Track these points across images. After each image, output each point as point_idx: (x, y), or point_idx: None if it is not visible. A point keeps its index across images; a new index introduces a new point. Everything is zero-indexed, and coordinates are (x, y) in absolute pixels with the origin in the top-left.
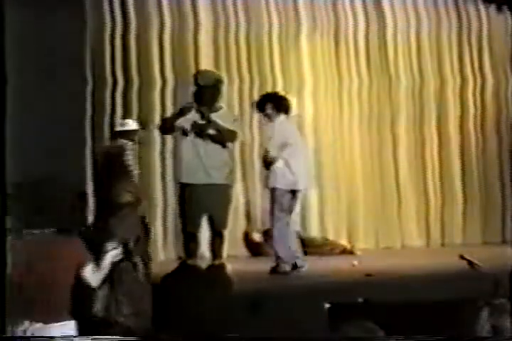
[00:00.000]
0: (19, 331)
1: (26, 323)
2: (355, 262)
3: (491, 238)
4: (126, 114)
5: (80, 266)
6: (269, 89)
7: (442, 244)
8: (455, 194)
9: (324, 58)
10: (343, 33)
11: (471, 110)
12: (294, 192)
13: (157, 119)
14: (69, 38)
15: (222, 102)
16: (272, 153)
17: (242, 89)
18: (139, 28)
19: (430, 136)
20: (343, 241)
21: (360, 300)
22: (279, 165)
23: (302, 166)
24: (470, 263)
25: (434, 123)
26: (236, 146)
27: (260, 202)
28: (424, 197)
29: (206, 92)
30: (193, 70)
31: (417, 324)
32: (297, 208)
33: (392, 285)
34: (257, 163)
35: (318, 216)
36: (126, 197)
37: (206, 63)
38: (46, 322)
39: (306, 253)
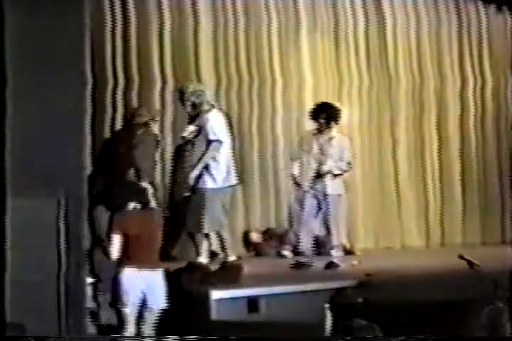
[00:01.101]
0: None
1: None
2: (355, 262)
3: (491, 238)
4: (126, 114)
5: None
6: (268, 89)
7: (442, 244)
8: (455, 194)
9: (324, 58)
10: (343, 32)
11: (471, 110)
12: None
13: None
14: (68, 38)
15: (221, 102)
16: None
17: (241, 89)
18: (139, 28)
19: (430, 136)
20: (343, 241)
21: (359, 300)
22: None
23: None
24: (469, 263)
25: (433, 123)
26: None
27: (259, 202)
28: (424, 197)
29: None
30: (192, 69)
31: (417, 324)
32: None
33: (391, 285)
34: (256, 164)
35: None
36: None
37: (206, 63)
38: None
39: None
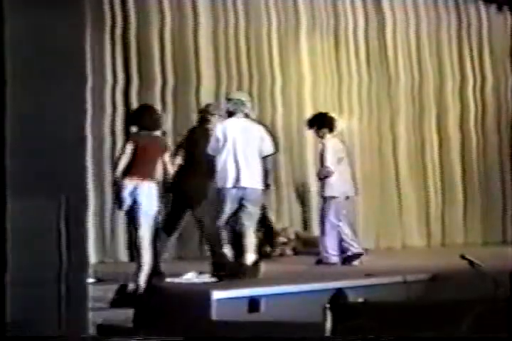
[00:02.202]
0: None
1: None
2: (356, 262)
3: (492, 238)
4: (127, 113)
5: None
6: (268, 88)
7: (443, 244)
8: (456, 194)
9: (324, 57)
10: (343, 31)
11: (472, 110)
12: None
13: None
14: (68, 38)
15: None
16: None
17: (241, 87)
18: (138, 27)
19: (430, 135)
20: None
21: (360, 300)
22: (334, 177)
23: (350, 175)
24: (471, 262)
25: (434, 121)
26: None
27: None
28: (425, 197)
29: None
30: (193, 69)
31: (417, 324)
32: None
33: (392, 285)
34: None
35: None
36: None
37: (206, 62)
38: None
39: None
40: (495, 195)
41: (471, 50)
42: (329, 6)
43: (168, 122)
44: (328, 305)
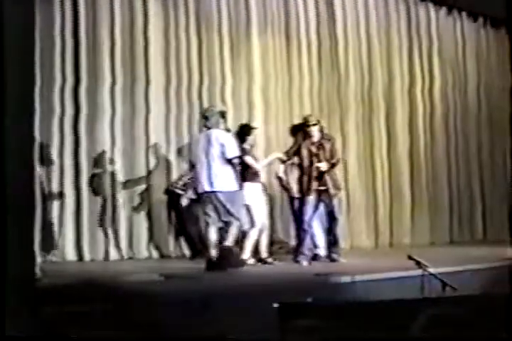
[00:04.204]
0: None
1: None
2: (306, 262)
3: (439, 239)
4: (76, 113)
5: None
6: (218, 88)
7: (391, 245)
8: (404, 194)
9: (275, 56)
10: (295, 31)
11: (420, 109)
12: None
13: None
14: (18, 36)
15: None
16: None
17: (190, 89)
18: (88, 25)
19: (379, 135)
20: (293, 241)
21: (308, 299)
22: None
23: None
24: (418, 263)
25: (383, 121)
26: None
27: None
28: (373, 197)
29: None
30: (142, 69)
31: (366, 323)
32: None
33: (341, 284)
34: None
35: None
36: None
37: (156, 62)
38: None
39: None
40: (442, 196)
41: (420, 50)
42: (281, 5)
43: (117, 121)
44: (277, 305)
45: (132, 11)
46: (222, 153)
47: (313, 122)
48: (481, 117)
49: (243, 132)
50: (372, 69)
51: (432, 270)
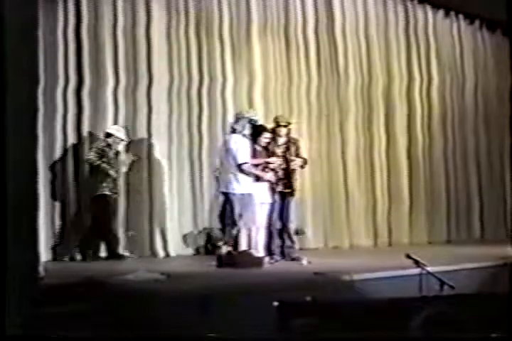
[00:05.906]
0: None
1: None
2: (305, 262)
3: (436, 238)
4: (79, 113)
5: None
6: (218, 88)
7: (389, 244)
8: (402, 194)
9: (275, 57)
10: (293, 32)
11: (418, 110)
12: None
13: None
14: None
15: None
16: None
17: (190, 87)
18: (90, 26)
19: (379, 135)
20: None
21: (308, 298)
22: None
23: None
24: (416, 262)
25: (382, 123)
26: None
27: None
28: (372, 197)
29: None
30: (145, 68)
31: (365, 322)
32: None
33: (339, 283)
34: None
35: None
36: None
37: (158, 61)
38: None
39: None
40: (440, 195)
41: (418, 52)
42: (281, 8)
43: (120, 121)
44: (276, 304)
45: (134, 10)
46: (234, 158)
47: (283, 123)
48: (478, 118)
49: (256, 132)
50: (371, 70)
51: (430, 269)
